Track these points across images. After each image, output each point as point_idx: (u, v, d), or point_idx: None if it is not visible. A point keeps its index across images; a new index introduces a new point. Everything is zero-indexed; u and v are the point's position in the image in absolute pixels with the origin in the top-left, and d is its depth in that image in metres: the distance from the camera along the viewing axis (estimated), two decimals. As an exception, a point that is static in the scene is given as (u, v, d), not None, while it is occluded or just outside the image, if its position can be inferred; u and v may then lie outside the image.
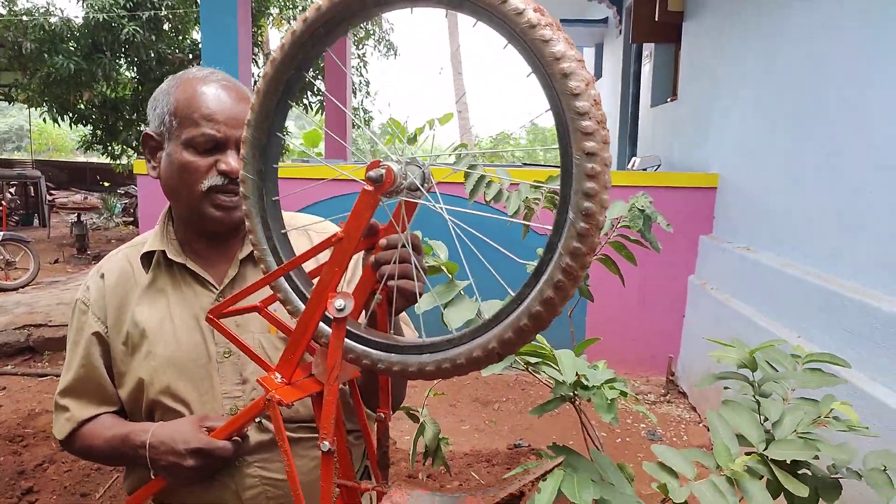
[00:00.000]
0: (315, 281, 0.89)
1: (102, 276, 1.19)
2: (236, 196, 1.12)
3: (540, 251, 0.68)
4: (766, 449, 1.32)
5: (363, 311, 0.91)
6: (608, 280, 2.92)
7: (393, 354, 0.80)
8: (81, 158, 20.94)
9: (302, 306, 0.88)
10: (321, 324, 0.84)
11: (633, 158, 6.50)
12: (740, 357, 1.54)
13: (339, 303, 0.76)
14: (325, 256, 0.80)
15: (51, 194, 13.17)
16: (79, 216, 9.93)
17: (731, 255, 3.94)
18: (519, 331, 0.68)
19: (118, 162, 10.81)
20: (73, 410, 1.16)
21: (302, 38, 0.78)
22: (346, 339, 0.83)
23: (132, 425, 1.13)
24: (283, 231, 0.91)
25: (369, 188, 0.73)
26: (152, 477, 1.07)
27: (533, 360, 1.36)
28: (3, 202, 10.56)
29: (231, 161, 1.09)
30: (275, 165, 0.88)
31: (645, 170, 5.72)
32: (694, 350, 4.35)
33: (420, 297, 0.90)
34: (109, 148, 10.29)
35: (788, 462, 1.34)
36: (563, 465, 1.26)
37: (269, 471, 1.13)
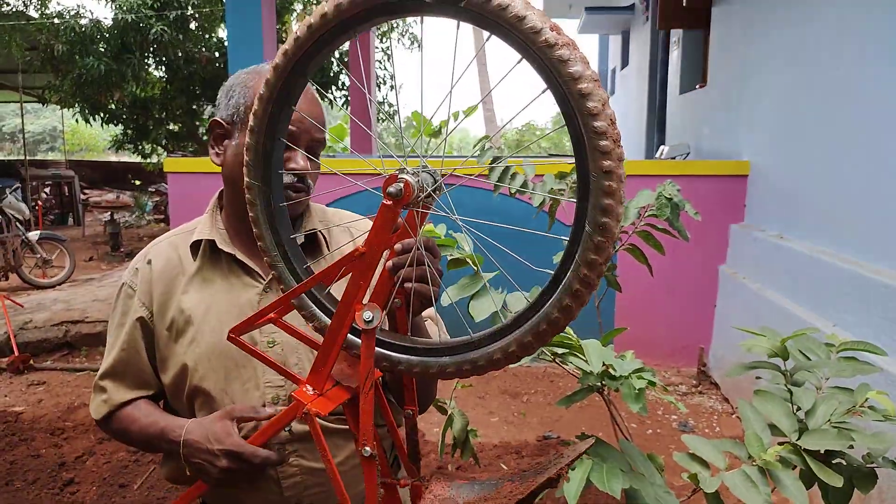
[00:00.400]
0: (324, 283, 0.90)
1: (149, 261, 1.20)
2: (301, 193, 1.15)
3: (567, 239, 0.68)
4: (799, 439, 1.30)
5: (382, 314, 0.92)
6: (637, 270, 2.89)
7: (413, 357, 0.83)
8: (113, 158, 21.35)
9: (319, 314, 0.89)
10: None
11: (662, 147, 6.41)
12: (772, 346, 1.52)
13: (367, 315, 0.77)
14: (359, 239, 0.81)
15: (84, 193, 13.47)
16: (112, 215, 10.14)
17: (764, 244, 3.87)
18: (538, 334, 0.72)
19: (148, 160, 11.01)
20: (110, 392, 1.18)
21: (306, 45, 0.77)
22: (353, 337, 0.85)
23: (168, 419, 1.14)
24: (292, 236, 0.91)
25: (388, 203, 0.74)
26: (188, 473, 1.08)
27: (559, 350, 1.35)
28: (38, 202, 10.84)
29: (300, 160, 1.11)
30: (280, 171, 0.89)
31: (674, 158, 5.64)
32: (726, 340, 4.29)
33: (435, 300, 0.91)
34: (140, 147, 10.48)
35: (822, 452, 1.32)
36: (591, 455, 1.26)
37: (309, 460, 1.14)
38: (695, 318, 4.54)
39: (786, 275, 3.51)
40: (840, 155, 3.11)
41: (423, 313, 1.22)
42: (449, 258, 1.45)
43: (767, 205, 4.07)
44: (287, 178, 1.11)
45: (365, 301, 0.81)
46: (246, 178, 0.87)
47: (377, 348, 0.84)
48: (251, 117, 0.84)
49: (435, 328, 1.26)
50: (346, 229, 1.29)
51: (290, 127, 1.08)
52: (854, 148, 2.98)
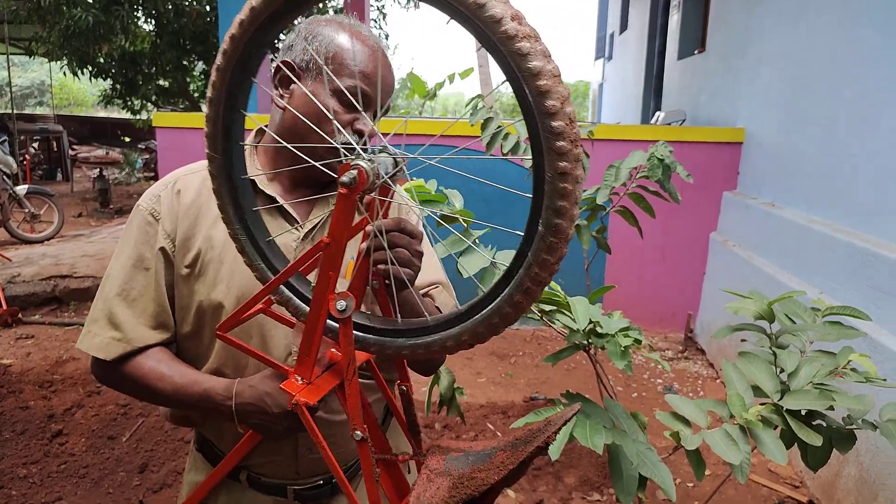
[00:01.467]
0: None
1: (178, 192, 1.13)
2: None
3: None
4: (781, 399, 1.31)
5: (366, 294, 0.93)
6: (629, 235, 2.89)
7: (370, 335, 0.84)
8: (102, 113, 21.00)
9: (297, 301, 0.90)
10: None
11: (658, 113, 6.36)
12: (758, 309, 1.52)
13: (340, 304, 0.78)
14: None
15: (73, 149, 13.27)
16: (101, 171, 10.01)
17: (755, 212, 3.87)
18: (490, 326, 0.73)
19: (138, 117, 10.83)
20: (127, 330, 1.07)
21: (262, 15, 0.75)
22: (328, 321, 0.85)
23: (209, 380, 1.07)
24: (254, 209, 0.91)
25: (344, 192, 0.73)
26: (240, 430, 1.04)
27: (547, 307, 1.35)
28: (26, 156, 10.68)
29: (367, 122, 1.06)
30: (241, 143, 0.88)
31: (669, 124, 5.61)
32: (713, 307, 4.33)
33: (412, 281, 0.91)
34: (129, 102, 10.30)
35: (803, 413, 1.34)
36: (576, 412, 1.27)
37: (326, 413, 1.13)
38: (684, 284, 4.57)
39: (776, 243, 3.52)
40: (837, 123, 3.10)
41: (435, 280, 1.21)
42: (439, 214, 1.44)
43: (761, 173, 4.06)
44: (353, 139, 1.08)
45: (345, 286, 0.82)
46: (206, 150, 0.87)
47: (332, 322, 0.85)
48: (209, 88, 0.82)
49: (446, 296, 1.25)
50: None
51: (367, 90, 1.04)
52: (852, 116, 2.97)
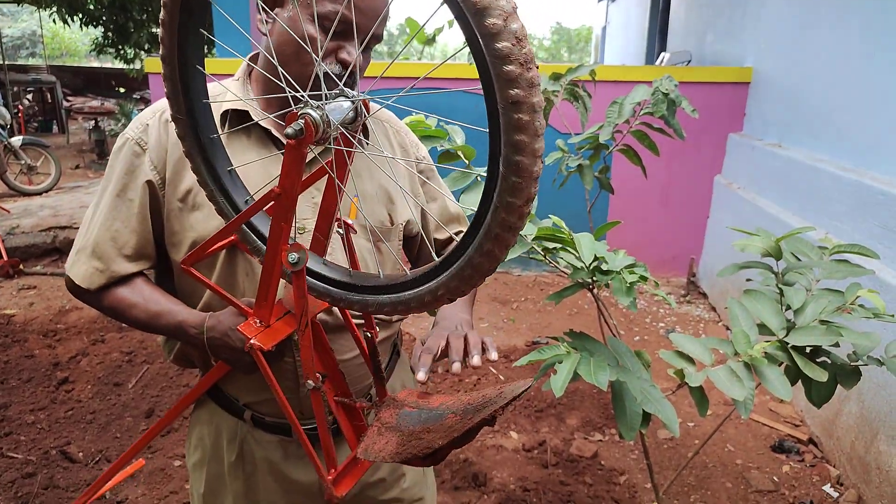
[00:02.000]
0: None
1: (167, 122, 1.08)
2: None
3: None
4: (786, 336, 1.30)
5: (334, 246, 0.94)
6: (632, 177, 2.84)
7: (353, 294, 0.82)
8: (96, 63, 20.61)
9: (261, 245, 0.89)
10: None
11: (663, 54, 6.20)
12: (765, 245, 1.49)
13: (292, 256, 0.77)
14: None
15: (67, 100, 13.08)
16: (96, 122, 9.89)
17: (761, 153, 3.80)
18: (464, 278, 0.69)
19: (131, 67, 10.62)
20: (107, 261, 1.08)
21: None
22: (308, 278, 0.84)
23: (183, 312, 1.07)
24: (229, 168, 0.88)
25: (292, 143, 0.69)
26: (213, 363, 1.05)
27: (550, 245, 1.32)
28: (20, 107, 10.53)
29: (353, 51, 1.00)
30: (204, 101, 0.84)
31: (675, 65, 5.47)
32: (716, 251, 4.31)
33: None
34: (122, 51, 10.09)
35: (808, 350, 1.32)
36: (579, 349, 1.25)
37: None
38: (687, 228, 4.54)
39: (781, 184, 3.47)
40: (847, 60, 3.01)
41: (456, 213, 1.25)
42: (439, 149, 1.40)
43: (768, 113, 3.98)
44: (334, 69, 1.00)
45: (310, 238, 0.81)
46: (171, 112, 0.84)
47: (322, 284, 0.85)
48: (160, 45, 0.78)
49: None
50: (381, 127, 1.21)
51: (348, 12, 0.96)
52: (862, 53, 2.88)
